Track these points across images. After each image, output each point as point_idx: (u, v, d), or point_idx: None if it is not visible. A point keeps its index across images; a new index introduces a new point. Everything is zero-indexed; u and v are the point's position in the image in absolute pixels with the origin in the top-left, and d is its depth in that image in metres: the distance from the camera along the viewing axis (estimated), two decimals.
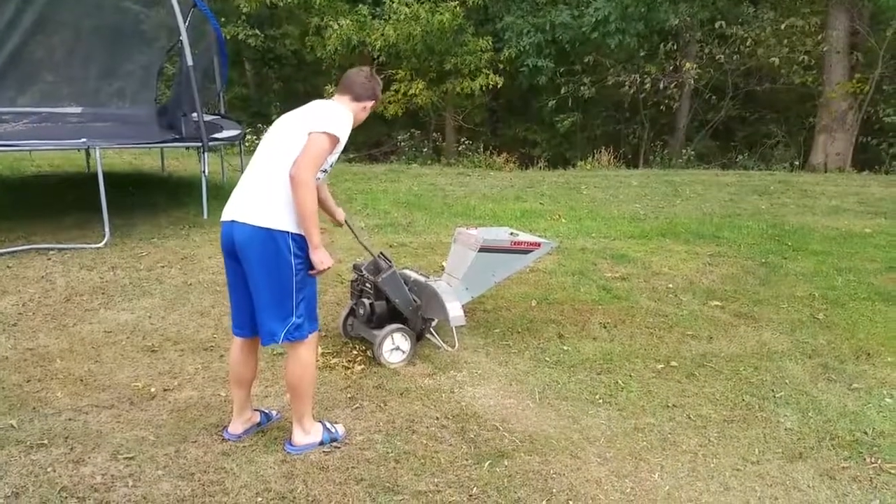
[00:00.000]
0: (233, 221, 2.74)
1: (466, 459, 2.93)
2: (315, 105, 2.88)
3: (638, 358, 4.03)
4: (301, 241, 2.74)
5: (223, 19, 13.99)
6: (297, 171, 2.64)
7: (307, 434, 2.96)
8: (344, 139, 2.78)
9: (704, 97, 15.29)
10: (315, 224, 2.71)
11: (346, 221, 3.53)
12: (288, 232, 2.70)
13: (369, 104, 3.02)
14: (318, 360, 3.82)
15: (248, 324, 2.89)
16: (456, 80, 14.35)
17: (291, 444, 2.95)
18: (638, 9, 13.59)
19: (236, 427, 3.03)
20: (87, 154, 8.98)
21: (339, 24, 13.86)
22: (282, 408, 3.26)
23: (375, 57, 14.39)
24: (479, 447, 3.03)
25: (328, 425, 3.06)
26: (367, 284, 3.89)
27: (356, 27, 13.91)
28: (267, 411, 3.19)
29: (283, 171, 2.69)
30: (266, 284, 2.73)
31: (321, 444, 2.98)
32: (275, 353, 3.82)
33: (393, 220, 7.23)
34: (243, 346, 2.97)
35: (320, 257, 2.76)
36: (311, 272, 2.81)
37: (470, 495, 2.69)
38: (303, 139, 2.69)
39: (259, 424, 3.11)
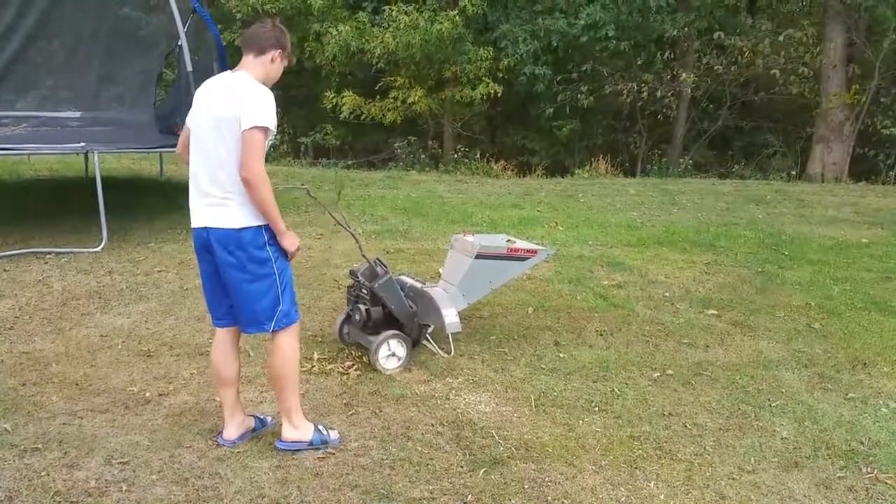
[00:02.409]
0: (206, 227, 2.79)
1: (461, 466, 2.93)
2: (236, 90, 2.73)
3: (634, 366, 4.03)
4: (271, 231, 2.80)
5: (220, 25, 14.02)
6: (249, 172, 2.65)
7: (296, 429, 2.97)
8: (274, 124, 2.73)
9: (702, 107, 15.34)
10: (277, 212, 2.76)
11: (330, 213, 3.57)
12: (262, 225, 2.77)
13: (276, 54, 2.86)
14: (315, 365, 3.83)
15: (228, 314, 2.94)
16: (455, 88, 14.40)
17: (281, 440, 2.98)
18: (633, 17, 13.65)
19: (230, 432, 3.01)
20: (86, 158, 8.98)
21: (337, 29, 13.91)
22: (277, 413, 3.25)
23: (374, 63, 14.44)
24: (474, 454, 3.02)
25: (321, 428, 3.05)
26: (364, 290, 3.89)
27: (356, 33, 13.96)
28: (262, 417, 3.18)
29: (235, 170, 2.70)
30: (250, 282, 2.79)
31: (311, 444, 2.98)
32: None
33: (390, 227, 7.23)
34: (225, 339, 2.99)
35: (290, 240, 2.85)
36: (292, 251, 2.90)
37: (465, 503, 2.69)
38: (238, 133, 2.66)
39: (254, 430, 3.10)
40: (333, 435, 3.06)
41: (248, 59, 2.84)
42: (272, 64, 2.87)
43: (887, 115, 13.46)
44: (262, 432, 3.12)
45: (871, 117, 13.64)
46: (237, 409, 3.03)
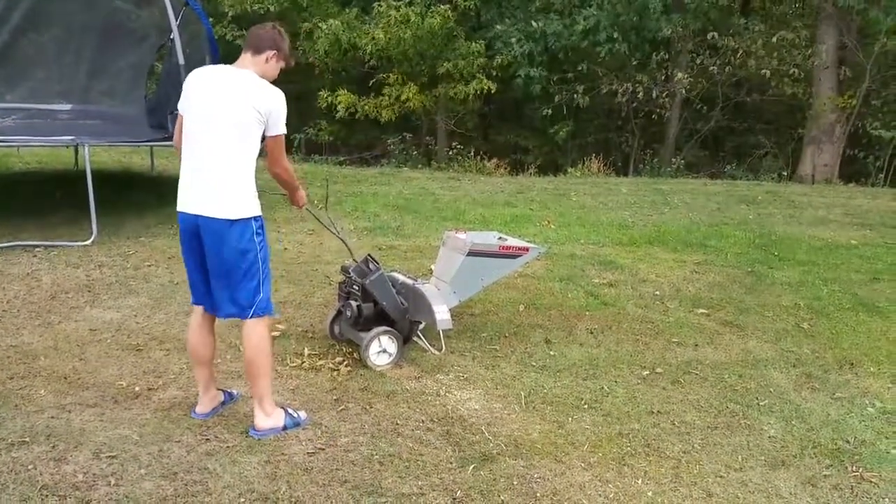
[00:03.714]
0: (198, 215, 2.88)
1: (451, 463, 2.93)
2: (256, 91, 2.87)
3: (624, 364, 4.05)
4: (261, 221, 2.98)
5: (211, 20, 13.97)
6: (282, 169, 3.03)
7: (269, 417, 3.07)
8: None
9: (694, 107, 15.39)
10: (298, 186, 3.23)
11: (317, 217, 3.63)
12: (252, 217, 2.92)
13: (271, 54, 3.00)
14: (305, 361, 3.82)
15: (209, 297, 3.06)
16: (448, 84, 14.38)
17: (255, 430, 3.06)
18: (630, 17, 13.67)
19: (203, 406, 3.17)
20: (76, 151, 8.92)
21: (327, 24, 13.88)
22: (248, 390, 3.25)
23: (367, 61, 14.40)
24: (463, 450, 3.03)
25: (290, 411, 3.17)
26: (355, 286, 3.88)
27: (345, 27, 13.93)
28: (229, 391, 3.34)
29: (242, 162, 2.88)
30: (235, 271, 2.91)
31: (284, 428, 3.09)
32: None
33: (382, 224, 7.23)
34: (203, 321, 3.11)
35: (301, 195, 3.29)
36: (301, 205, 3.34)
37: (454, 498, 2.69)
38: (257, 130, 2.87)
39: (223, 403, 3.25)
40: (302, 415, 3.18)
41: (247, 57, 2.98)
42: (267, 64, 3.01)
43: (877, 118, 13.55)
44: (230, 405, 3.28)
45: (862, 119, 13.72)
46: (211, 385, 3.19)
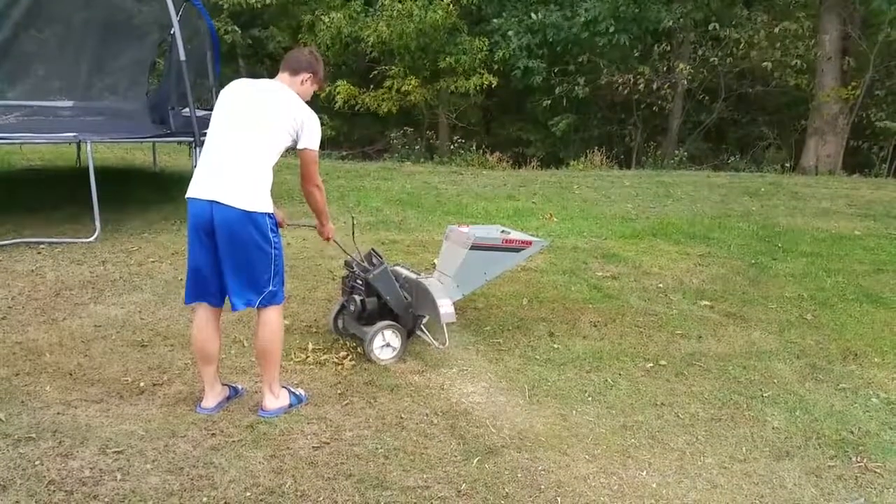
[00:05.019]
0: (213, 202, 2.91)
1: (456, 456, 2.94)
2: (295, 107, 3.06)
3: (627, 356, 4.05)
4: (275, 219, 3.06)
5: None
6: (315, 186, 3.21)
7: (276, 398, 3.18)
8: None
9: (697, 98, 15.34)
10: (327, 211, 3.41)
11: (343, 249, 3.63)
12: (267, 213, 2.99)
13: (306, 76, 3.18)
14: (310, 355, 3.83)
15: (218, 293, 3.09)
16: (450, 78, 14.35)
17: (264, 410, 3.16)
18: (630, 9, 13.62)
19: (209, 401, 3.20)
20: (78, 148, 8.92)
21: (329, 17, 13.85)
22: (255, 383, 3.27)
23: (369, 53, 14.36)
24: (468, 443, 3.04)
25: (292, 389, 3.29)
26: (359, 281, 3.89)
27: (348, 21, 13.91)
28: (234, 385, 3.37)
29: (264, 163, 2.98)
30: (248, 262, 2.98)
31: (290, 406, 3.22)
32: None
33: (385, 218, 7.23)
34: (209, 318, 3.13)
35: (329, 228, 3.48)
36: (327, 238, 3.52)
37: (459, 491, 2.70)
38: (286, 137, 3.03)
39: (229, 398, 3.28)
40: (302, 392, 3.34)
41: (284, 77, 3.17)
42: (302, 86, 3.19)
43: (881, 108, 13.49)
44: (236, 400, 3.30)
45: (866, 110, 13.66)
46: (216, 381, 3.22)
